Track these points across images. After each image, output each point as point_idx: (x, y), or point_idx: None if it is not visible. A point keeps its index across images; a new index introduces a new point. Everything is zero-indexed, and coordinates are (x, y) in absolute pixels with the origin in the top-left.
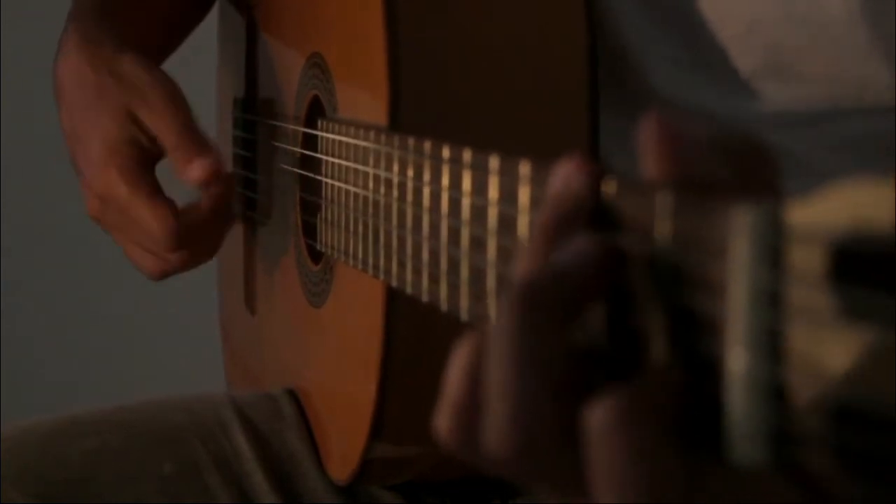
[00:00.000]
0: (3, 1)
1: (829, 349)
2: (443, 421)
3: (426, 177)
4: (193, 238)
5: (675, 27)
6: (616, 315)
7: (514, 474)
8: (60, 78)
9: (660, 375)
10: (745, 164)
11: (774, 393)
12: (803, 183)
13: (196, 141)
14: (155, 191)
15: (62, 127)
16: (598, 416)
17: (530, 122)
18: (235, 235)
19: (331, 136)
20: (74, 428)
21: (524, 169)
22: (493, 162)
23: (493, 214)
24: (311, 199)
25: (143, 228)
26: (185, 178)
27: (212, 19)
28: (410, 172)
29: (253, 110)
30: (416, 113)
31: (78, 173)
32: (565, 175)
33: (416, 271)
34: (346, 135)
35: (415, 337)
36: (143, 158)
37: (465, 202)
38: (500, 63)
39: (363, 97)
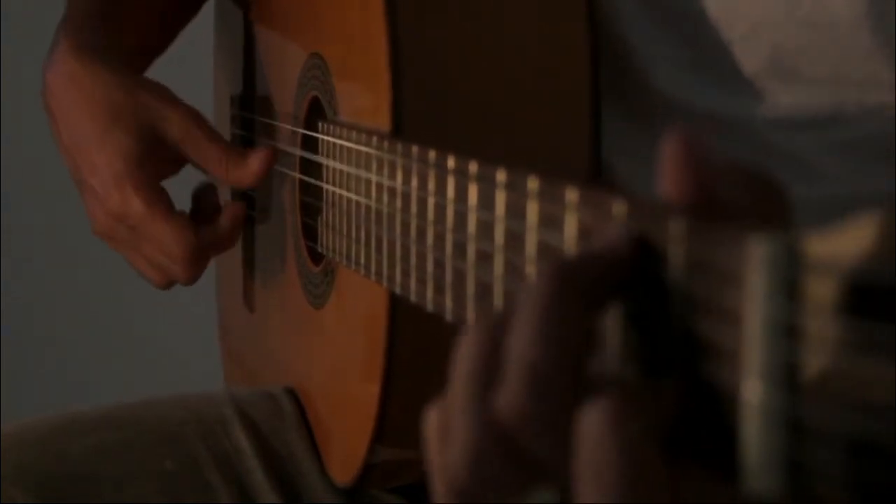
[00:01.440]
0: (2, 1)
1: (845, 382)
2: (457, 388)
3: (430, 187)
4: (210, 255)
5: (676, 27)
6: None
7: (512, 452)
8: (56, 89)
9: (652, 385)
10: (761, 194)
11: (791, 424)
12: (805, 185)
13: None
14: (171, 207)
15: (58, 139)
16: (591, 417)
17: (532, 123)
18: None
19: (332, 139)
20: (75, 425)
21: (532, 184)
22: (501, 175)
23: (499, 230)
24: (311, 200)
25: (162, 245)
26: (241, 175)
27: (206, 17)
28: (414, 182)
29: (251, 108)
30: (418, 114)
31: (81, 188)
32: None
33: (421, 281)
34: (348, 139)
35: (419, 340)
36: (158, 175)
37: (471, 216)
38: (501, 64)
39: (364, 99)
